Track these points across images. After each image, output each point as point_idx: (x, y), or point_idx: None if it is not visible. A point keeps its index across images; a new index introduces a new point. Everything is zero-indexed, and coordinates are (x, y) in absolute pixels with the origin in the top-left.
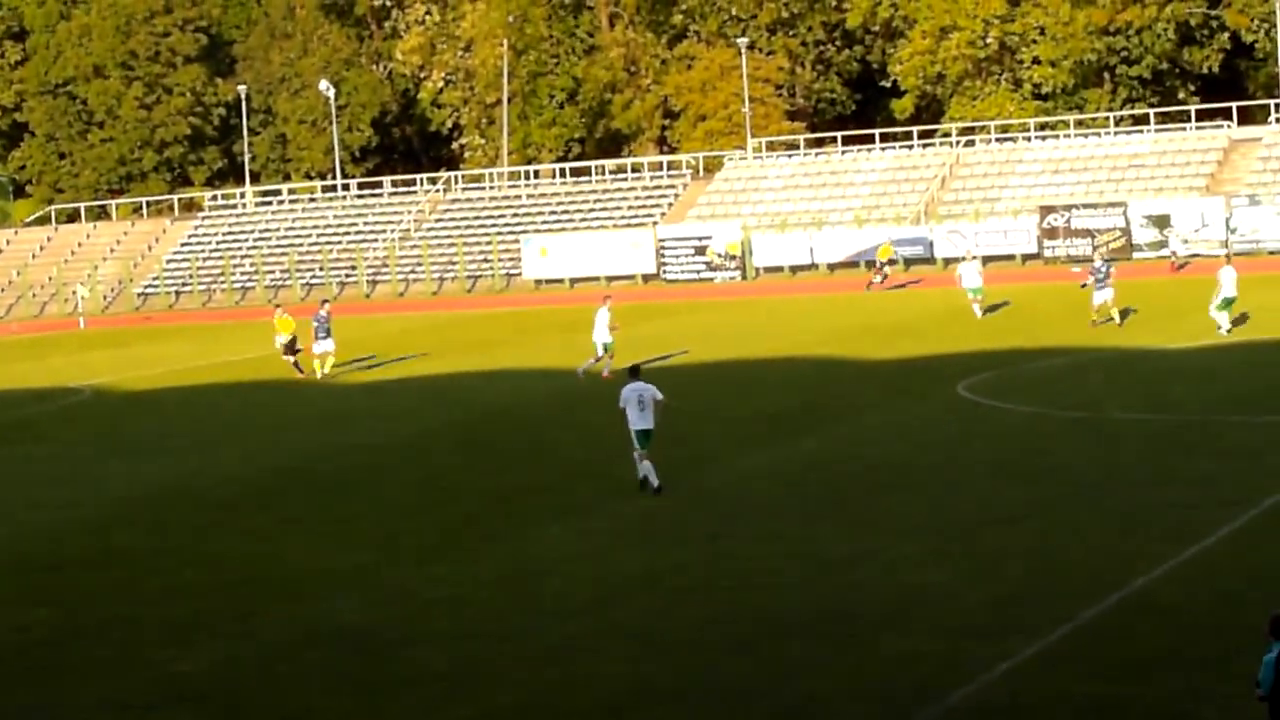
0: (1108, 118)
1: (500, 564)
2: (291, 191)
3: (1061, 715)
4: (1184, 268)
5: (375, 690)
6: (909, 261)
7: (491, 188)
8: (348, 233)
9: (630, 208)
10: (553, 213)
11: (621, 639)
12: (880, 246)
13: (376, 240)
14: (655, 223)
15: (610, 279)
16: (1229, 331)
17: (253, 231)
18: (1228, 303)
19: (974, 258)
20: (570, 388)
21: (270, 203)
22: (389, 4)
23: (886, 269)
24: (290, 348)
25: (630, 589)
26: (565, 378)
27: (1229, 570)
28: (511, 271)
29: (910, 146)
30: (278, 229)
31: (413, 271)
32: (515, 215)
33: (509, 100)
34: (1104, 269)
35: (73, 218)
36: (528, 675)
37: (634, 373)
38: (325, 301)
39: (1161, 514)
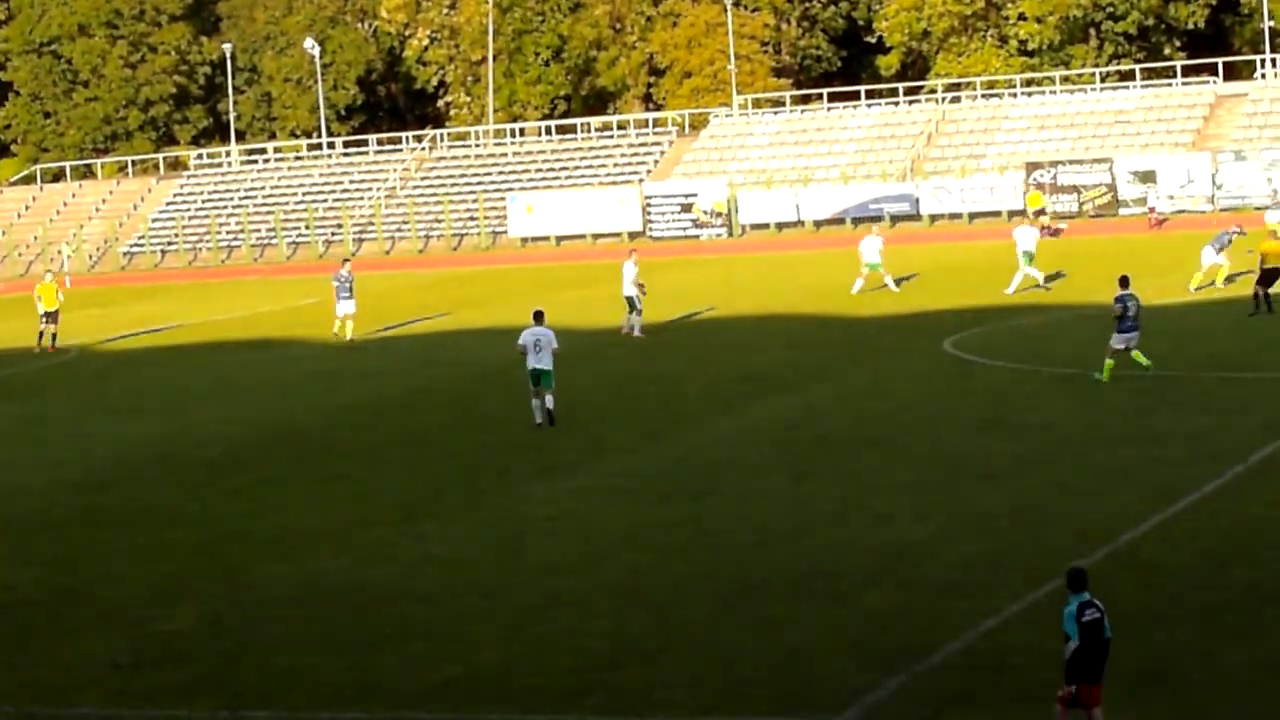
0: (1094, 74)
1: (486, 522)
2: (277, 150)
3: (1047, 672)
4: (1164, 224)
5: (362, 648)
6: (894, 219)
7: (477, 145)
8: (333, 191)
9: (616, 165)
10: (538, 170)
11: (606, 596)
12: (1030, 195)
13: (362, 199)
14: (641, 180)
15: (596, 236)
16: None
17: (238, 190)
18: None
19: (877, 233)
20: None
21: (256, 161)
22: None
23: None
24: (52, 317)
25: (615, 547)
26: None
27: (1214, 527)
28: (497, 229)
29: (896, 103)
30: (263, 188)
31: (398, 230)
32: (501, 173)
33: (494, 58)
34: (1226, 237)
35: (58, 177)
36: (513, 633)
37: (537, 317)
38: (346, 260)
39: (1147, 470)
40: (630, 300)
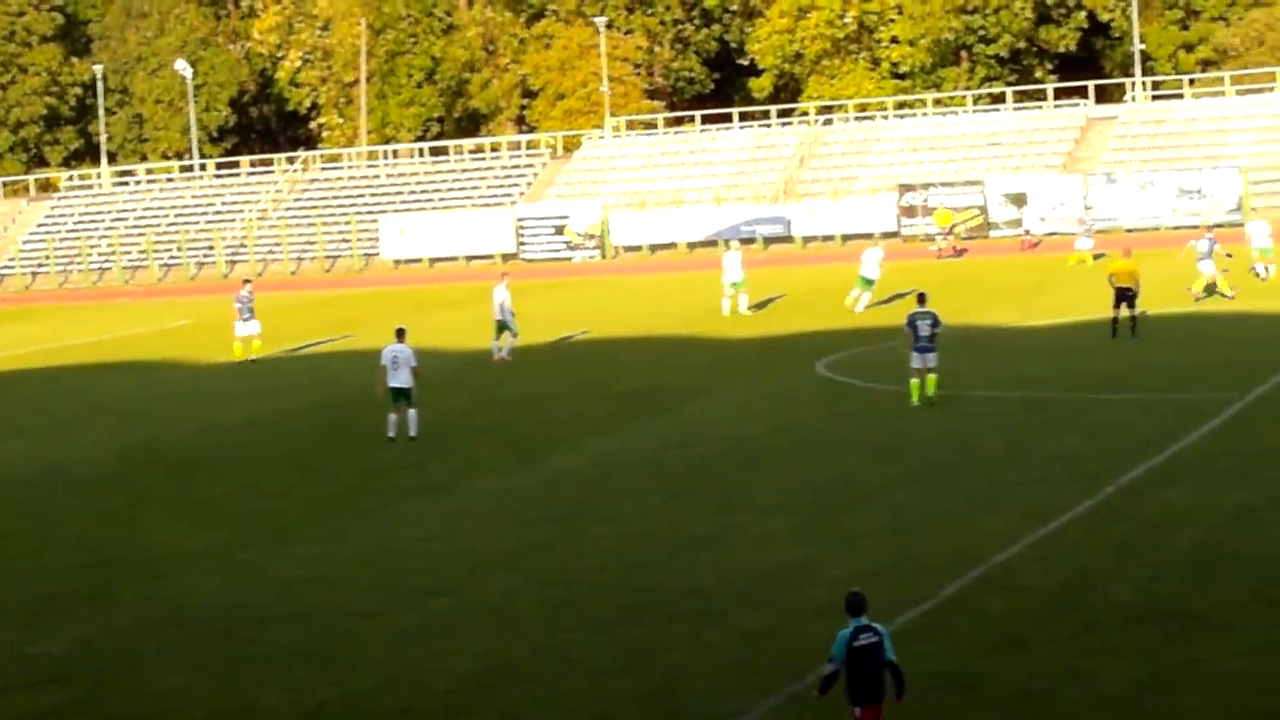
0: (965, 96)
1: (361, 543)
2: (149, 172)
3: (920, 692)
4: (1038, 246)
5: (237, 670)
6: (767, 240)
7: (350, 167)
8: (205, 213)
9: (489, 187)
10: (411, 192)
11: (481, 618)
12: (938, 214)
13: (234, 221)
14: (514, 202)
15: (469, 258)
16: None
17: (109, 212)
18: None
19: (736, 248)
20: (430, 367)
21: (127, 183)
22: None
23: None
24: None
25: (490, 568)
26: (422, 357)
27: (1087, 548)
28: (370, 251)
29: (769, 125)
30: (135, 209)
31: (271, 252)
32: (373, 195)
33: (367, 79)
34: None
35: None
36: (388, 654)
37: (399, 335)
38: (247, 281)
39: (1020, 491)
40: (500, 324)
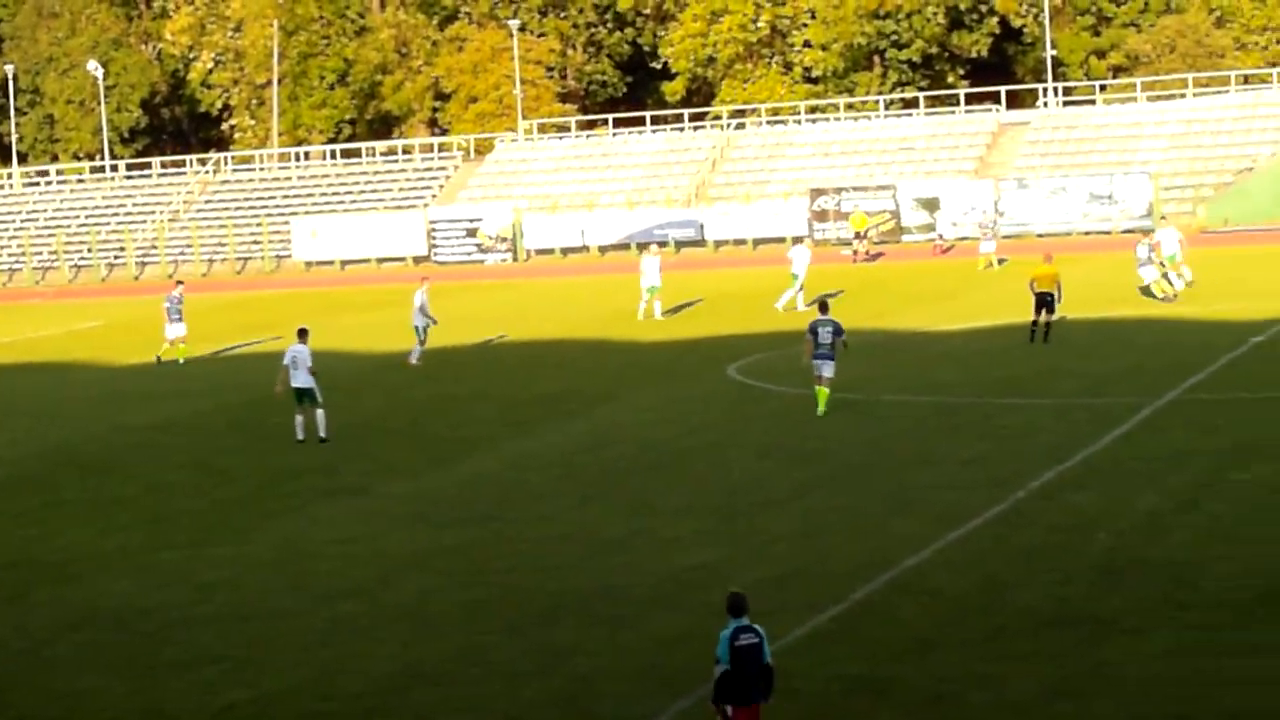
0: (878, 101)
1: (274, 545)
2: (60, 172)
3: (829, 696)
4: (950, 250)
5: (149, 672)
6: (679, 244)
7: (261, 169)
8: (116, 214)
9: (401, 189)
10: (323, 194)
11: (394, 620)
12: (854, 217)
13: (145, 221)
14: (426, 204)
15: (381, 261)
16: None
17: (20, 213)
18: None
19: (655, 253)
20: (342, 370)
21: (38, 183)
22: None
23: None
24: None
25: (403, 570)
26: (335, 359)
27: (996, 552)
28: (281, 253)
29: (681, 129)
30: (45, 210)
31: (182, 253)
32: (285, 196)
33: (279, 81)
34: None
35: None
36: (301, 657)
37: (300, 335)
38: (179, 283)
39: (930, 496)
40: (417, 329)
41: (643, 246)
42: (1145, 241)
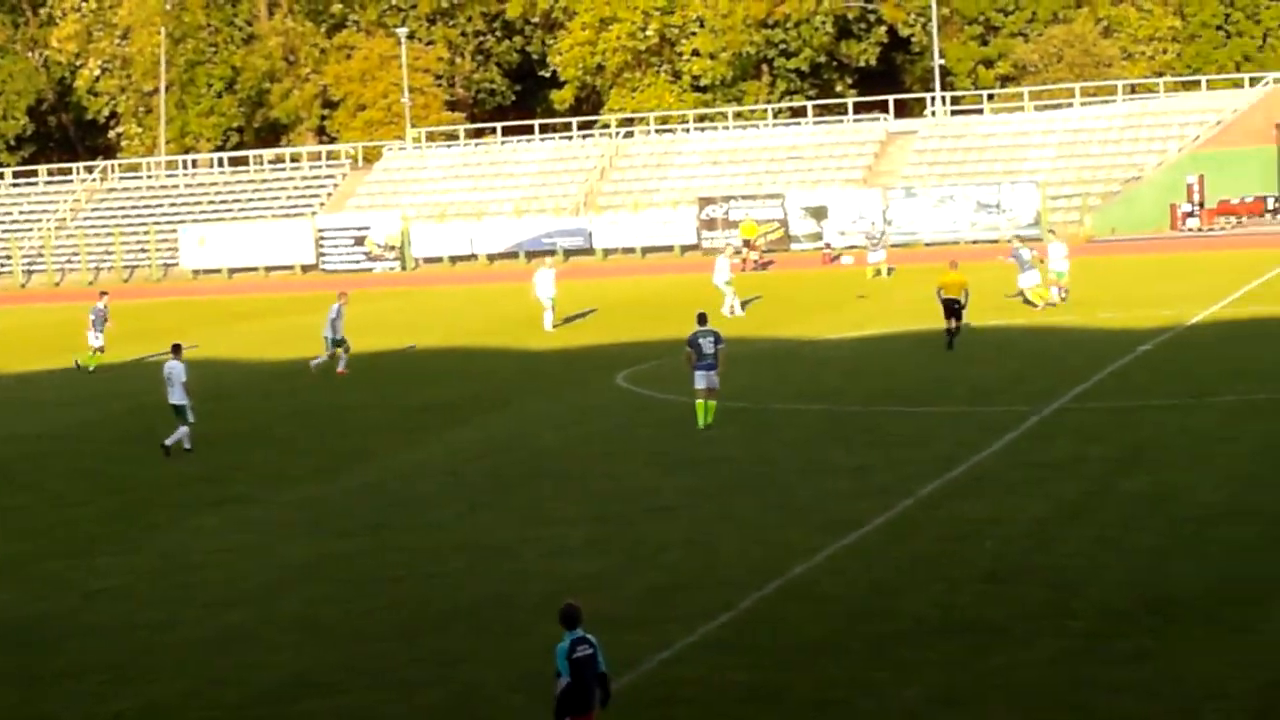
0: (766, 110)
1: (161, 555)
2: None
3: (719, 704)
4: (838, 259)
5: (36, 683)
6: (568, 253)
7: (149, 177)
8: (2, 222)
9: (289, 197)
10: (211, 202)
11: (283, 630)
12: (744, 225)
13: (31, 229)
14: (314, 213)
15: (269, 269)
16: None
17: None
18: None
19: (550, 265)
20: (230, 378)
21: None
22: None
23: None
24: None
25: (293, 579)
26: (223, 368)
27: (884, 560)
28: (169, 261)
29: (570, 137)
30: None
31: (69, 262)
32: (173, 204)
33: (166, 89)
34: (1024, 257)
35: None
36: (188, 667)
37: (174, 350)
38: (104, 294)
39: (819, 504)
40: (326, 340)
41: (533, 255)
42: (1023, 247)
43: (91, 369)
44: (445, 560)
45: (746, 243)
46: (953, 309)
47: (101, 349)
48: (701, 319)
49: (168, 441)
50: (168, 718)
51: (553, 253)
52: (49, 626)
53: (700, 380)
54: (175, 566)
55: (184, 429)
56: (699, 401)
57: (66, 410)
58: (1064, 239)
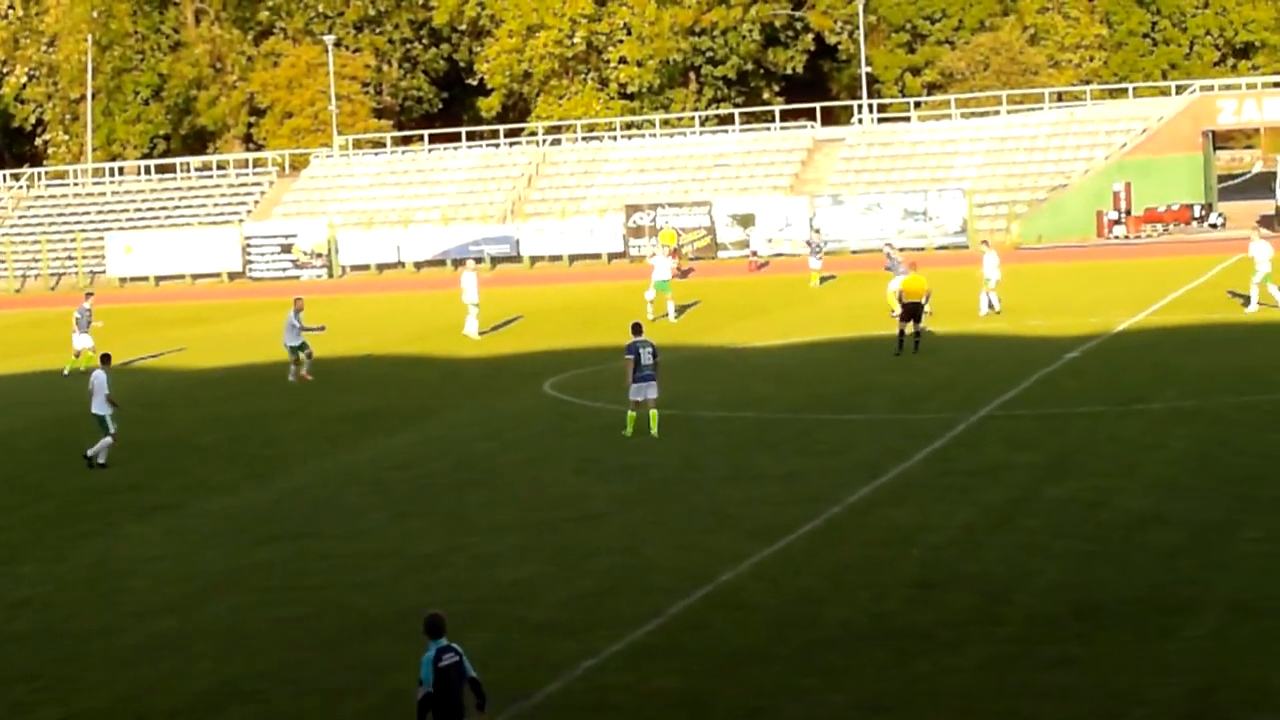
0: (693, 117)
1: (86, 563)
2: None
3: (647, 711)
4: (764, 267)
5: None
6: (495, 260)
7: (76, 184)
8: None
9: (216, 205)
10: (138, 210)
11: (208, 638)
12: (663, 232)
13: None
14: (241, 220)
15: (196, 277)
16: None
17: None
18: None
19: (473, 268)
20: (155, 386)
21: None
22: None
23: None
24: None
25: (217, 587)
26: (148, 375)
27: (812, 567)
28: (96, 269)
29: (497, 145)
30: None
31: None
32: (100, 212)
33: (93, 96)
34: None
35: None
36: (115, 675)
37: (103, 360)
38: (89, 294)
39: (747, 511)
40: (289, 348)
41: (459, 263)
42: (894, 252)
43: (83, 369)
44: (371, 568)
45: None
46: (912, 312)
47: (92, 349)
48: (636, 328)
49: (89, 452)
50: None
51: (480, 259)
52: None
53: (637, 392)
54: (100, 575)
55: (105, 440)
56: (632, 412)
57: None
58: (996, 248)
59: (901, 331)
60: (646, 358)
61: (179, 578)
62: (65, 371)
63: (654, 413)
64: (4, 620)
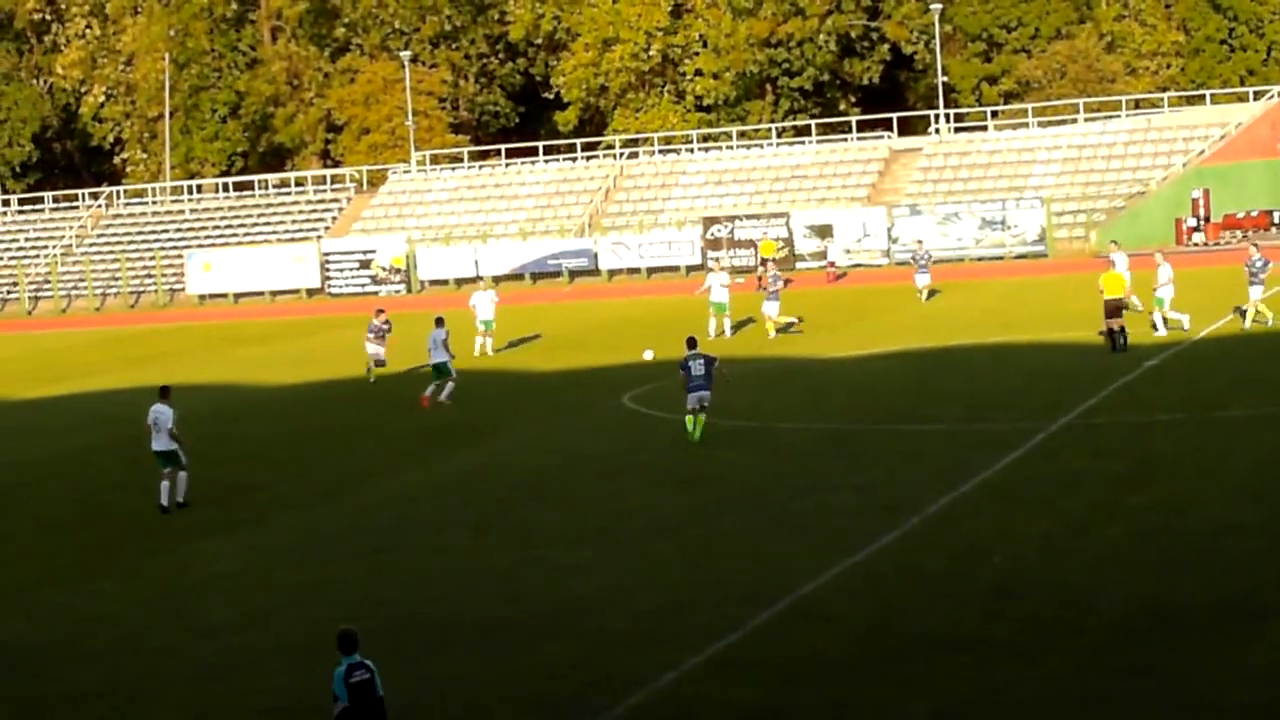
0: (770, 129)
1: (162, 580)
2: None
3: None
4: (842, 278)
5: (34, 709)
6: (573, 274)
7: (154, 203)
8: (9, 249)
9: (294, 222)
10: (216, 227)
11: (283, 654)
12: (763, 243)
13: (38, 256)
14: (319, 236)
15: (274, 294)
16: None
17: None
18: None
19: (487, 287)
20: (233, 402)
21: None
22: (49, 18)
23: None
24: None
25: (292, 603)
26: (227, 392)
27: (889, 577)
28: (175, 287)
29: (574, 159)
30: None
31: (75, 288)
32: (179, 230)
33: (171, 114)
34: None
35: None
36: (190, 692)
37: (162, 393)
38: (381, 311)
39: (824, 522)
40: (439, 367)
41: (539, 278)
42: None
43: (372, 380)
44: (445, 582)
45: (763, 261)
46: (1114, 309)
47: (382, 362)
48: (691, 343)
49: (179, 498)
50: None
51: (558, 274)
52: (48, 653)
53: (692, 401)
54: (176, 591)
55: (182, 475)
56: (689, 416)
57: (69, 436)
58: (1123, 250)
59: (1110, 329)
60: (698, 369)
61: (253, 593)
62: (369, 379)
63: (702, 418)
64: (79, 636)
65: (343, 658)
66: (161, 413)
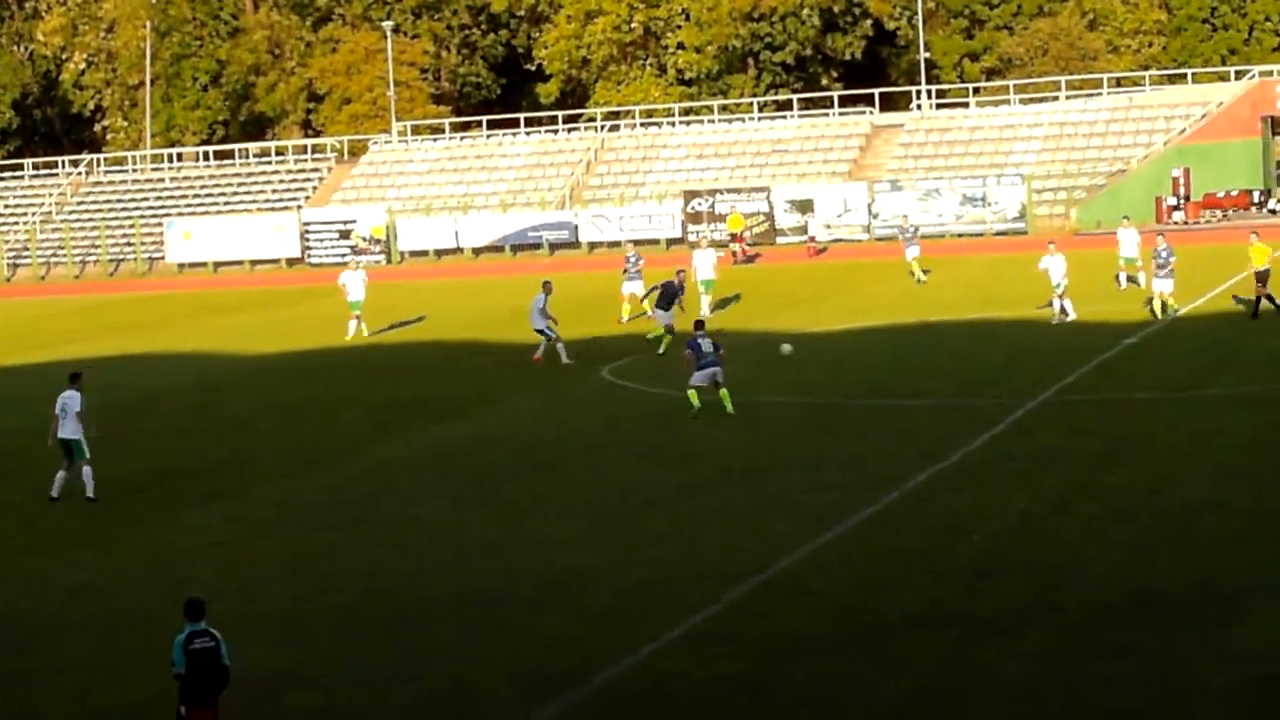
0: (752, 103)
1: (144, 551)
2: None
3: (707, 696)
4: (823, 253)
5: (17, 680)
6: (554, 246)
7: (134, 170)
8: None
9: (274, 191)
10: (196, 196)
11: (266, 625)
12: (730, 216)
13: (17, 223)
14: (299, 206)
15: (254, 263)
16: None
17: None
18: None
19: (359, 267)
20: (214, 371)
21: None
22: None
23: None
24: None
25: (274, 575)
26: (207, 361)
27: (871, 553)
28: (154, 255)
29: (555, 131)
30: None
31: (54, 255)
32: (158, 198)
33: (152, 82)
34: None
35: None
36: (169, 662)
37: (71, 379)
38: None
39: (807, 497)
40: (542, 332)
41: (518, 249)
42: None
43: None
44: (429, 555)
45: (733, 236)
46: (1262, 278)
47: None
48: (698, 325)
49: (89, 493)
50: (150, 714)
51: (538, 246)
52: (30, 623)
53: (702, 379)
54: (158, 561)
55: (87, 470)
56: (693, 390)
57: (46, 405)
58: (1135, 225)
59: (1257, 298)
60: (708, 346)
61: (236, 565)
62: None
63: (724, 391)
64: (61, 606)
65: (187, 624)
66: (71, 398)
